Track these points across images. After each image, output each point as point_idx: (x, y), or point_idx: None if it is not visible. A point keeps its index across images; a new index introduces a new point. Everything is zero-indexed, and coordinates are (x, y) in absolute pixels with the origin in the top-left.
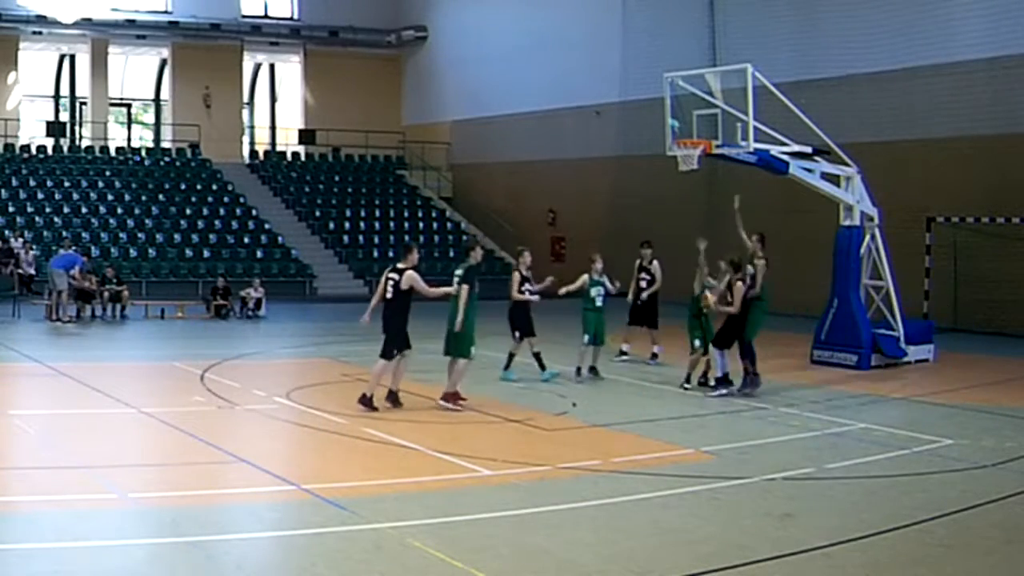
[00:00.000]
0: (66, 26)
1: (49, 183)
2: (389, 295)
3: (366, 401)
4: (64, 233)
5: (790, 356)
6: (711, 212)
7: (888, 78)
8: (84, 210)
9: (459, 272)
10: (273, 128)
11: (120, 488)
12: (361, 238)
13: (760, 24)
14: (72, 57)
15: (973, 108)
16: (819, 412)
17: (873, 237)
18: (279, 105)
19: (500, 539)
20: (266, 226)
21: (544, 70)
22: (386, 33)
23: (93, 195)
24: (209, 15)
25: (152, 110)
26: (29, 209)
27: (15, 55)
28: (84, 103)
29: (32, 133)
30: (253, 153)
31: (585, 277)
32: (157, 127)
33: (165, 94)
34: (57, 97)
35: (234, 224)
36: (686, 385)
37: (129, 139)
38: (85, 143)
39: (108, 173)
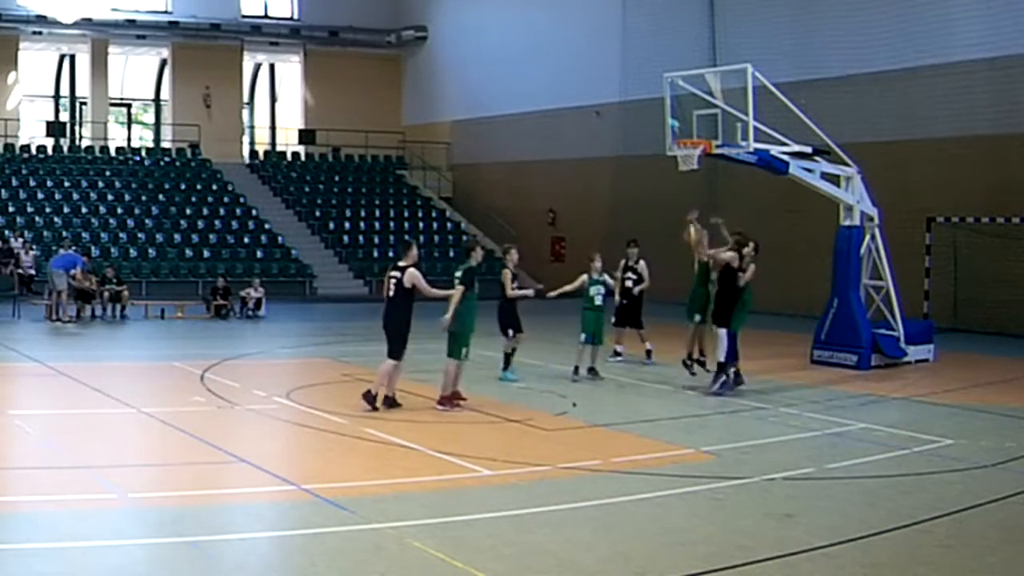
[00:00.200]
0: (66, 26)
1: (49, 183)
2: (391, 293)
3: (370, 399)
4: (64, 233)
5: (790, 356)
6: (711, 212)
7: (888, 78)
8: (84, 210)
9: (458, 273)
10: (273, 128)
11: (120, 488)
12: (361, 238)
13: (760, 24)
14: (72, 57)
15: (973, 108)
16: (819, 412)
17: (873, 237)
18: (279, 105)
19: (500, 539)
20: (266, 226)
21: (544, 70)
22: (386, 33)
23: (93, 195)
24: (209, 15)
25: (152, 110)
26: (29, 209)
27: (15, 55)
28: (84, 103)
29: (32, 133)
30: (253, 153)
31: (584, 277)
32: (157, 127)
33: (165, 94)
34: (57, 97)
35: (234, 224)
36: (687, 361)
37: (129, 139)
38: (85, 143)
39: (108, 173)
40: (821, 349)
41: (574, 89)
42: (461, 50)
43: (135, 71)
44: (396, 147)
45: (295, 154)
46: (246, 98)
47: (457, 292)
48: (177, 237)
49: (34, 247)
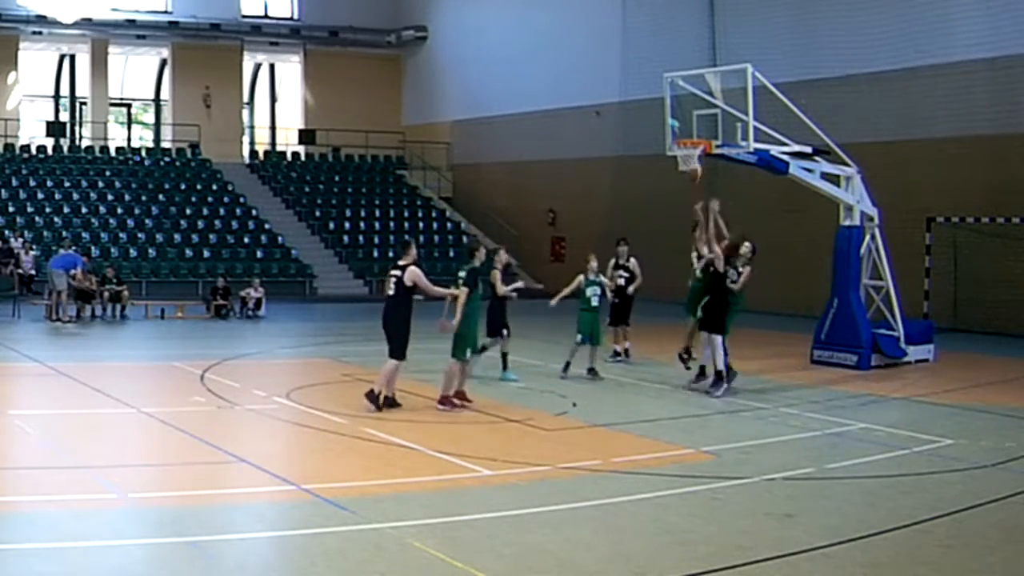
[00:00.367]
0: (66, 26)
1: (49, 183)
2: (391, 291)
3: (374, 398)
4: (64, 233)
5: (790, 356)
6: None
7: (888, 78)
8: (84, 210)
9: (462, 274)
10: (273, 128)
11: (120, 488)
12: (361, 238)
13: (760, 24)
14: (72, 57)
15: (973, 108)
16: (819, 412)
17: (873, 237)
18: (279, 105)
19: (500, 539)
20: (266, 226)
21: (544, 70)
22: (386, 33)
23: (93, 195)
24: (209, 15)
25: (152, 110)
26: (29, 209)
27: (15, 55)
28: (84, 103)
29: (32, 133)
30: (253, 153)
31: (581, 277)
32: (157, 127)
33: (165, 94)
34: (57, 97)
35: (234, 224)
36: (683, 355)
37: (129, 139)
38: (85, 143)
39: (108, 173)
40: (821, 349)
41: (574, 89)
42: (461, 50)
43: (135, 71)
44: (396, 147)
45: (295, 154)
46: (246, 98)
47: (462, 294)
48: (177, 237)
49: (34, 247)
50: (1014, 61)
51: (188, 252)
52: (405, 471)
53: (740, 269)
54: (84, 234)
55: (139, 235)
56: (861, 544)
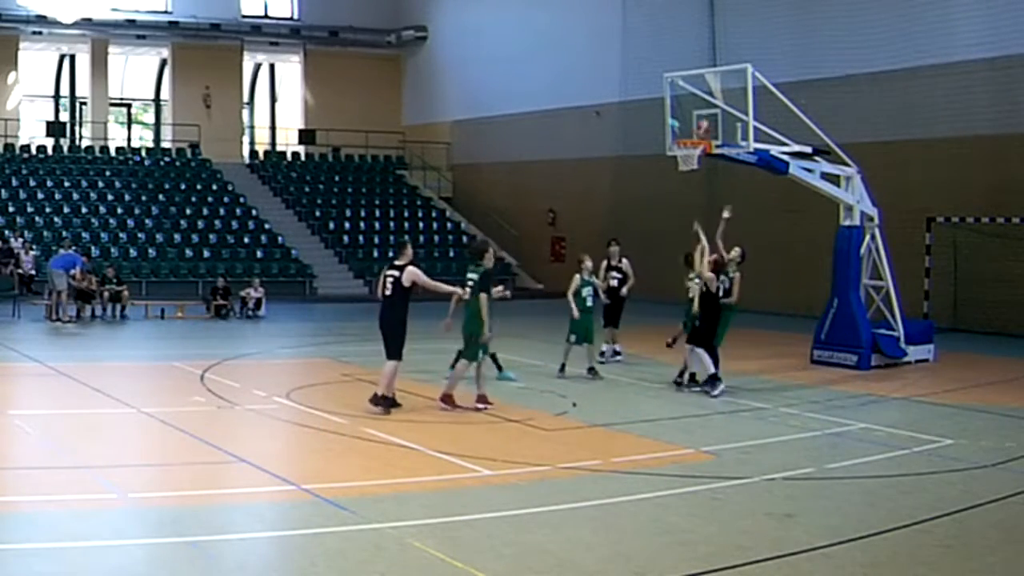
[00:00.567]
0: (66, 26)
1: (49, 183)
2: (388, 291)
3: (377, 401)
4: (64, 233)
5: (790, 356)
6: (711, 212)
7: (888, 78)
8: (84, 210)
9: (473, 276)
10: (273, 128)
11: (120, 488)
12: (361, 238)
13: (760, 24)
14: (72, 57)
15: (973, 108)
16: (819, 412)
17: (873, 237)
18: (279, 105)
19: (500, 539)
20: (266, 226)
21: (544, 70)
22: (386, 33)
23: (93, 195)
24: (209, 15)
25: (152, 110)
26: (29, 209)
27: (15, 55)
28: (84, 103)
29: (32, 133)
30: (253, 153)
31: (577, 277)
32: (157, 127)
33: (165, 94)
34: (57, 97)
35: (234, 224)
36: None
37: (129, 139)
38: (85, 143)
39: (108, 173)
40: (821, 349)
41: (574, 89)
42: (461, 50)
43: (135, 71)
44: (396, 147)
45: (295, 154)
46: (246, 98)
47: (483, 302)
48: (177, 237)
49: (34, 247)
50: (1014, 61)
51: (188, 252)
52: (405, 471)
53: (731, 275)
54: (84, 234)
55: (139, 235)
56: (861, 544)
